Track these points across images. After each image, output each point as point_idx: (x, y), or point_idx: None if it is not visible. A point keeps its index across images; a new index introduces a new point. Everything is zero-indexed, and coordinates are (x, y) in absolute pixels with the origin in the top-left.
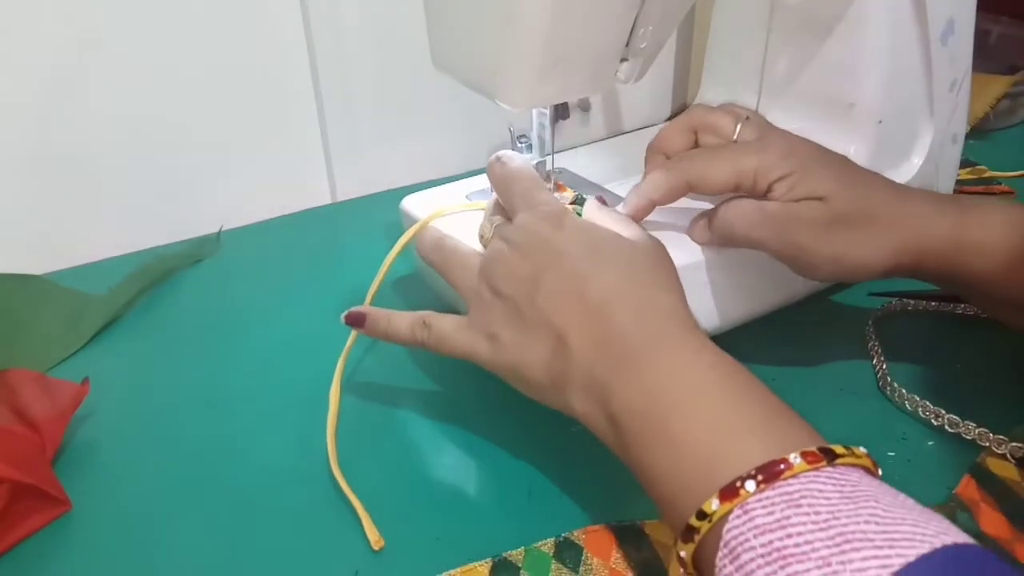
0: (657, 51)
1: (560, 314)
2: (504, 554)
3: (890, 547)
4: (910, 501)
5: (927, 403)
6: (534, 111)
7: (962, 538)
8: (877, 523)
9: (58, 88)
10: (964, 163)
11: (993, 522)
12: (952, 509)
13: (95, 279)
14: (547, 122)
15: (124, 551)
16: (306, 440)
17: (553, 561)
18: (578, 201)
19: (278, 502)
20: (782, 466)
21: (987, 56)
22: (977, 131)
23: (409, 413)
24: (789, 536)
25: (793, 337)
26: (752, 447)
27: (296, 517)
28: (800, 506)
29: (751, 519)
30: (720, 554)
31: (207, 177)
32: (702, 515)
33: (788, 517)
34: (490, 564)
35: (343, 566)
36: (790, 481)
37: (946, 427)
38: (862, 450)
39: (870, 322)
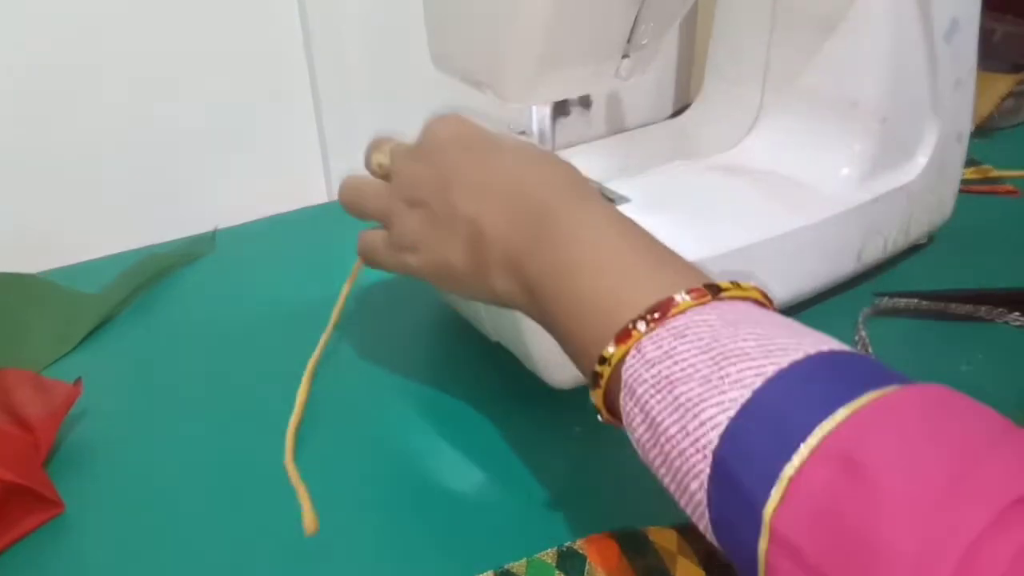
0: (658, 48)
1: (472, 203)
2: (506, 566)
3: (765, 357)
4: (796, 324)
5: None
6: (534, 108)
7: (840, 347)
8: (756, 340)
9: (52, 87)
10: (969, 162)
11: None
12: None
13: (89, 278)
14: (547, 119)
15: (117, 552)
16: None
17: (556, 571)
18: None
19: (273, 502)
20: (669, 304)
21: (992, 55)
22: (982, 130)
23: (405, 421)
24: (676, 363)
25: None
26: (647, 291)
27: (292, 519)
28: (685, 336)
29: (643, 356)
30: (623, 393)
31: (202, 175)
32: (603, 360)
33: (675, 348)
34: None
35: (344, 569)
36: (678, 317)
37: None
38: (751, 284)
39: (860, 320)
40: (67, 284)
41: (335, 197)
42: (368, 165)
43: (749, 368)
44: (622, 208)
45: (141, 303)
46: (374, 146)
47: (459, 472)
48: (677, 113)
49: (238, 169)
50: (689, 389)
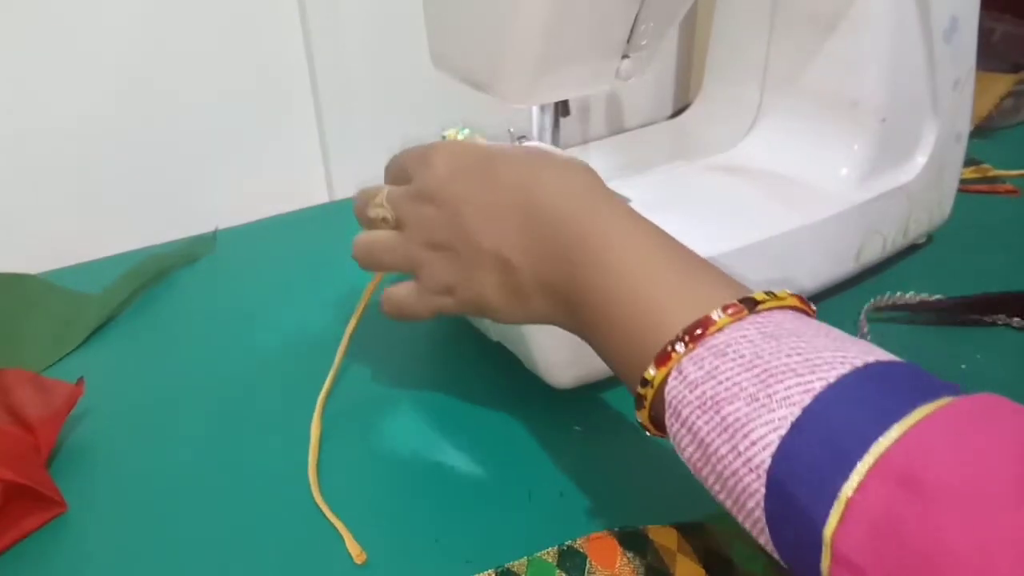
0: (658, 48)
1: (490, 234)
2: (507, 565)
3: (811, 372)
4: (836, 332)
5: None
6: (534, 109)
7: (886, 357)
8: (799, 354)
9: (52, 88)
10: (968, 162)
11: None
12: None
13: (90, 279)
14: (548, 120)
15: (119, 552)
16: (303, 442)
17: (557, 570)
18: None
19: (274, 503)
20: (707, 323)
21: (991, 55)
22: (981, 130)
23: (404, 420)
24: (720, 383)
25: None
26: (683, 310)
27: (292, 518)
28: (726, 355)
29: (684, 377)
30: (668, 414)
31: (203, 176)
32: (645, 383)
33: (716, 367)
34: (492, 575)
35: (343, 569)
36: (716, 335)
37: None
38: (786, 291)
39: (860, 318)
40: (68, 285)
41: (336, 197)
42: (364, 221)
43: (796, 385)
44: None
45: (142, 303)
46: (366, 199)
47: (459, 471)
48: (677, 113)
49: (239, 169)
50: (736, 409)
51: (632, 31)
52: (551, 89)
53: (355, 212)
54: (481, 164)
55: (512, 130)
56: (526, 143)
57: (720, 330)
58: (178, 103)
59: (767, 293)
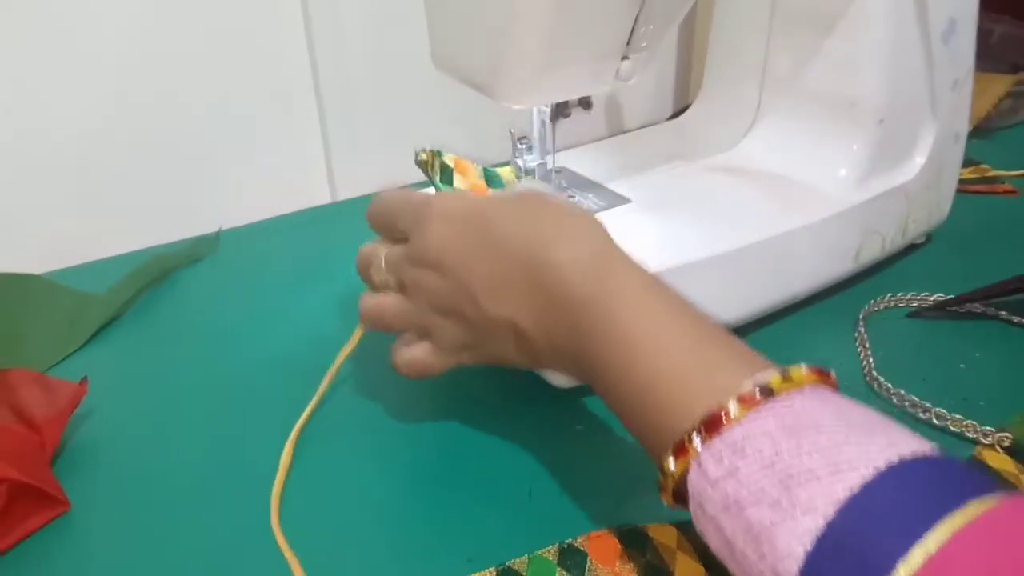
0: (658, 49)
1: (499, 305)
2: (508, 563)
3: (833, 476)
4: (856, 414)
5: (914, 398)
6: (535, 109)
7: (908, 449)
8: (820, 454)
9: (55, 88)
10: (967, 162)
11: None
12: None
13: (94, 279)
14: (548, 120)
15: (123, 552)
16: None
17: (558, 568)
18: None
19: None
20: (722, 415)
21: (989, 56)
22: (979, 130)
23: (405, 418)
24: (740, 483)
25: (783, 331)
26: (697, 397)
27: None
28: (745, 452)
29: (705, 472)
30: (692, 505)
31: (206, 176)
32: (664, 471)
33: (736, 466)
34: (494, 573)
35: (348, 562)
36: (733, 428)
37: (934, 421)
38: (802, 369)
39: (860, 317)
40: (72, 285)
41: (339, 198)
42: (368, 281)
43: (819, 492)
44: (623, 208)
45: (146, 303)
46: (367, 261)
47: (460, 469)
48: (677, 114)
49: (242, 170)
50: (760, 513)
51: (632, 32)
52: (551, 90)
53: (358, 271)
54: (480, 228)
55: (512, 131)
56: (521, 185)
57: (737, 422)
58: (181, 104)
59: (783, 375)
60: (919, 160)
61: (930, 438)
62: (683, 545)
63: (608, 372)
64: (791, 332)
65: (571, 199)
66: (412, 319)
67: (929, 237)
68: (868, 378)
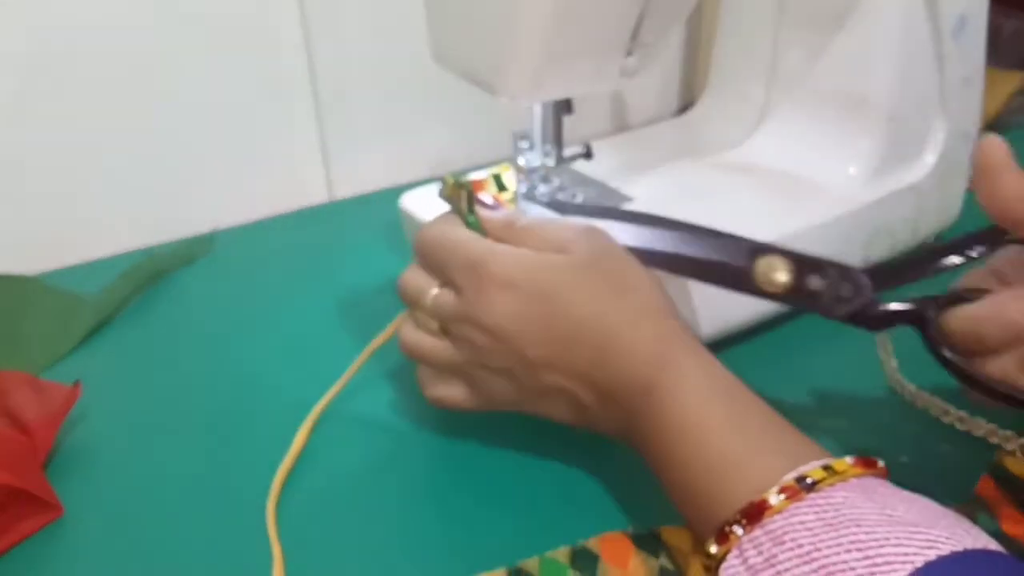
0: (663, 45)
1: (558, 378)
2: (519, 563)
3: (871, 574)
4: (902, 507)
5: (936, 400)
6: (536, 107)
7: (948, 547)
8: (859, 549)
9: (49, 86)
10: None
11: (1014, 522)
12: (972, 510)
13: (86, 280)
14: (550, 118)
15: (116, 557)
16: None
17: (569, 570)
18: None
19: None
20: (763, 507)
21: (1000, 52)
22: (990, 128)
23: (414, 419)
24: (779, 574)
25: (798, 333)
26: (740, 489)
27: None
28: (784, 543)
29: (745, 560)
30: None
31: (201, 176)
32: (708, 554)
33: (775, 555)
34: (504, 574)
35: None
36: (774, 518)
37: (955, 424)
38: (847, 461)
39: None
40: (65, 286)
41: (335, 197)
42: (411, 311)
43: None
44: (627, 207)
45: (139, 305)
46: (414, 295)
47: (470, 469)
48: (682, 111)
49: (237, 169)
50: None
51: (637, 28)
52: (554, 87)
53: (401, 298)
54: (543, 303)
55: (515, 132)
56: (532, 154)
57: (779, 512)
58: (175, 102)
59: (826, 468)
60: (929, 158)
61: (952, 442)
62: (697, 548)
63: (659, 455)
64: (807, 334)
65: (574, 198)
66: (455, 367)
67: (940, 237)
68: (891, 380)
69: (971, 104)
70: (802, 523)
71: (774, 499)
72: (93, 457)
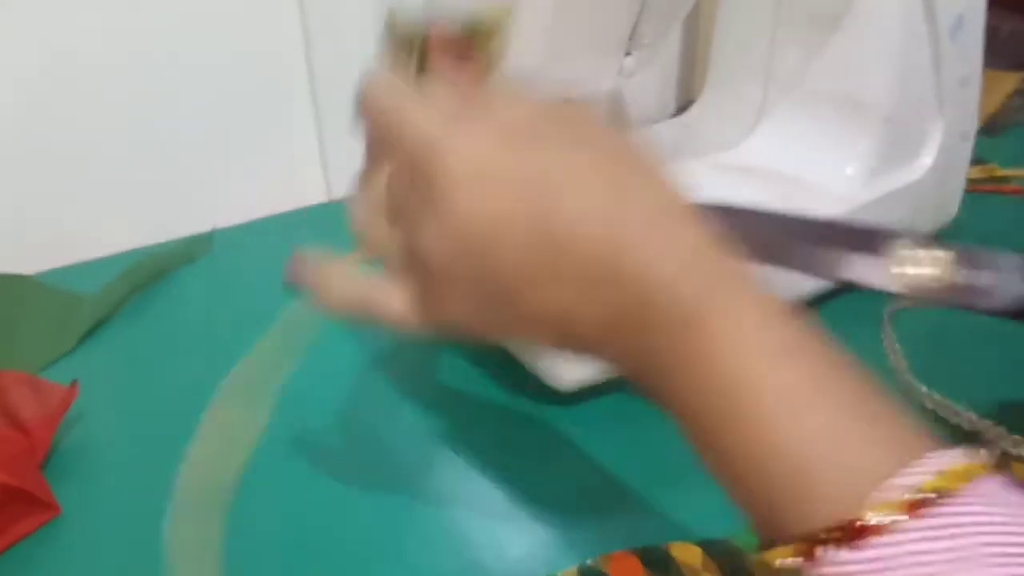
0: (662, 45)
1: (547, 300)
2: None
3: None
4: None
5: (945, 400)
6: None
7: None
8: None
9: (47, 85)
10: (975, 161)
11: None
12: None
13: (85, 279)
14: None
15: (114, 556)
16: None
17: None
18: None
19: (272, 502)
20: (861, 530)
21: (997, 53)
22: (988, 129)
23: (407, 429)
24: None
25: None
26: (831, 480)
27: (291, 517)
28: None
29: None
30: None
31: (200, 175)
32: (784, 565)
33: None
34: None
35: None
36: (874, 546)
37: (963, 426)
38: (961, 456)
39: (885, 317)
40: (63, 285)
41: (334, 197)
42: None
43: None
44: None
45: (138, 304)
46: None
47: (474, 487)
48: (680, 111)
49: (236, 169)
50: None
51: (635, 28)
52: (552, 86)
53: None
54: (532, 201)
55: None
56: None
57: (880, 537)
58: (174, 101)
59: (938, 478)
60: (926, 159)
61: (960, 444)
62: (708, 565)
63: (696, 415)
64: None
65: None
66: (399, 257)
67: (937, 237)
68: (899, 380)
69: (968, 105)
70: (913, 558)
71: (874, 518)
72: (91, 457)
